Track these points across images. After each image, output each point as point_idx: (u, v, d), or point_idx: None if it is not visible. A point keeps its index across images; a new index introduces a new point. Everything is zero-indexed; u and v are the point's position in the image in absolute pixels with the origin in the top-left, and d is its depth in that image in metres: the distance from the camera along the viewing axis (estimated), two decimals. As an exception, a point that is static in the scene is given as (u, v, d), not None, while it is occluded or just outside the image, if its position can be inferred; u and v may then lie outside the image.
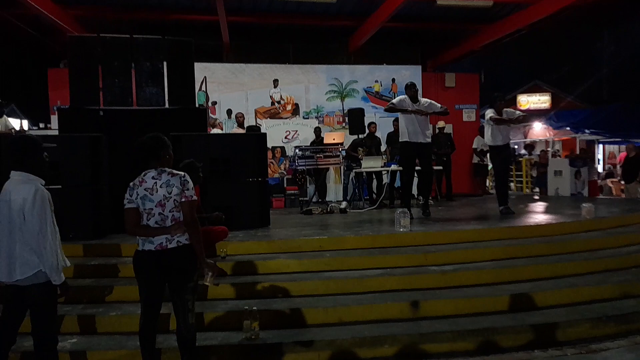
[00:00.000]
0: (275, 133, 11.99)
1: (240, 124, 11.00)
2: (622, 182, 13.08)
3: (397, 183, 10.43)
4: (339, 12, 12.20)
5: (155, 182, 3.28)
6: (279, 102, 12.71)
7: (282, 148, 12.13)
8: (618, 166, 16.03)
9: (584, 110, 17.99)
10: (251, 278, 5.10)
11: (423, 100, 7.68)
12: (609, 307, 4.70)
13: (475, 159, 13.04)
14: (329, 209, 9.07)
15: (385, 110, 8.03)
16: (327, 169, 10.98)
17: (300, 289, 4.89)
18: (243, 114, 11.28)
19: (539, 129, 18.72)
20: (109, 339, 4.17)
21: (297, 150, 9.54)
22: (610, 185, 14.77)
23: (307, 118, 12.75)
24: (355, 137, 10.47)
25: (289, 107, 12.75)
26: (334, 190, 11.93)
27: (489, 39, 13.20)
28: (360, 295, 4.84)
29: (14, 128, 8.97)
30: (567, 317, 4.50)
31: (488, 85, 16.12)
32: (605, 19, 18.04)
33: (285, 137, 12.31)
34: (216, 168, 6.83)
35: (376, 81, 13.29)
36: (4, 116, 8.84)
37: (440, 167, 10.83)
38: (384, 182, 10.36)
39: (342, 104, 12.97)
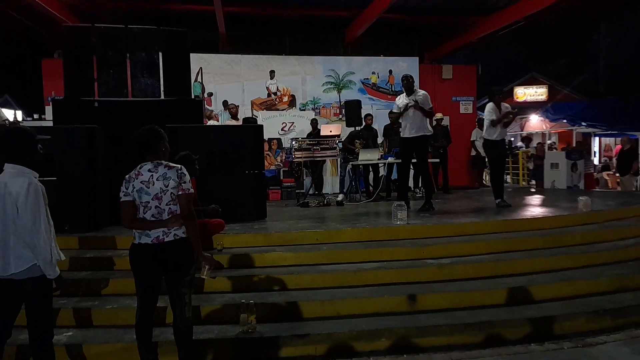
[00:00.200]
0: (271, 125, 11.94)
1: (234, 116, 10.87)
2: (617, 175, 13.13)
3: (394, 175, 10.42)
4: (336, 2, 12.11)
5: (152, 175, 3.25)
6: (275, 94, 12.63)
7: (279, 140, 12.09)
8: (614, 159, 16.08)
9: (580, 102, 17.99)
10: (248, 271, 5.08)
11: (420, 92, 7.66)
12: (605, 301, 4.72)
13: (474, 152, 13.03)
14: (325, 201, 9.06)
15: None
16: (324, 161, 10.96)
17: (296, 282, 4.88)
18: (235, 105, 11.10)
19: (535, 122, 18.72)
20: (104, 332, 4.15)
21: (293, 142, 9.51)
22: (606, 178, 14.82)
23: (304, 110, 12.68)
24: (352, 129, 10.44)
25: (285, 99, 12.68)
26: (331, 183, 11.93)
27: (486, 31, 13.14)
28: (357, 288, 4.84)
29: (7, 119, 8.90)
30: (564, 310, 4.51)
31: (485, 77, 16.08)
32: (602, 11, 18.01)
33: (282, 129, 12.29)
34: (212, 160, 6.79)
35: (373, 73, 13.21)
36: (-2, 107, 8.77)
37: (437, 160, 10.83)
38: (380, 175, 10.36)
39: (339, 96, 12.91)
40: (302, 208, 8.68)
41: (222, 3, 10.44)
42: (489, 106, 7.88)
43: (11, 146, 3.06)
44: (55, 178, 5.94)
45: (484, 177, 13.81)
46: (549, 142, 17.78)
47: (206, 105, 11.70)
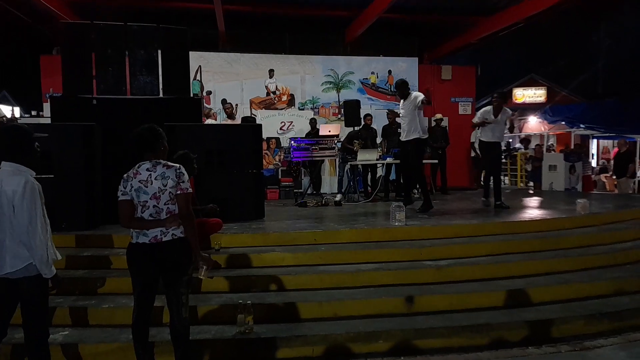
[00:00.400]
0: (270, 124, 11.94)
1: (229, 115, 10.81)
2: (614, 177, 13.14)
3: (393, 176, 10.42)
4: (336, 2, 12.11)
5: (150, 174, 3.23)
6: (274, 93, 12.61)
7: (277, 139, 12.07)
8: (612, 161, 16.09)
9: (579, 104, 18.01)
10: (245, 271, 5.06)
11: (413, 95, 7.60)
12: (603, 304, 4.72)
13: (473, 153, 13.01)
14: (323, 201, 9.04)
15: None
16: (322, 161, 10.95)
17: (294, 282, 4.87)
18: (232, 105, 11.04)
19: (534, 123, 18.74)
20: (101, 332, 4.13)
21: (292, 142, 9.49)
22: (604, 180, 14.83)
23: (303, 109, 12.67)
24: (350, 129, 10.42)
25: (284, 98, 12.65)
26: (329, 183, 11.92)
27: (486, 32, 13.13)
28: (355, 289, 4.82)
29: (5, 116, 8.87)
30: (562, 313, 4.51)
31: (484, 78, 16.08)
32: (602, 13, 18.03)
33: (281, 128, 12.27)
34: (211, 159, 6.78)
35: (372, 73, 13.20)
36: (-4, 103, 8.74)
37: (436, 161, 10.82)
38: (379, 175, 10.35)
39: (338, 95, 12.89)
40: (300, 208, 8.67)
41: (222, 1, 10.42)
42: (486, 108, 7.99)
43: (8, 144, 3.04)
44: (52, 176, 5.93)
45: (482, 179, 13.80)
46: (547, 144, 17.77)
47: (205, 104, 11.67)
